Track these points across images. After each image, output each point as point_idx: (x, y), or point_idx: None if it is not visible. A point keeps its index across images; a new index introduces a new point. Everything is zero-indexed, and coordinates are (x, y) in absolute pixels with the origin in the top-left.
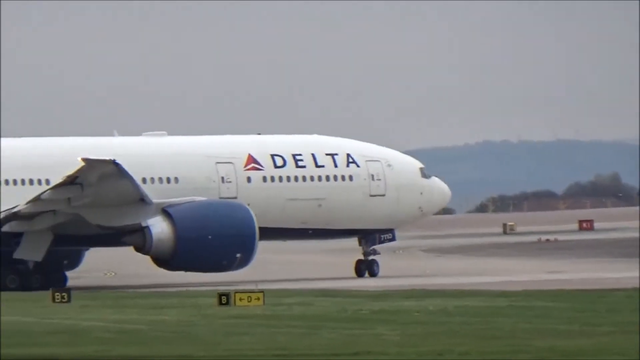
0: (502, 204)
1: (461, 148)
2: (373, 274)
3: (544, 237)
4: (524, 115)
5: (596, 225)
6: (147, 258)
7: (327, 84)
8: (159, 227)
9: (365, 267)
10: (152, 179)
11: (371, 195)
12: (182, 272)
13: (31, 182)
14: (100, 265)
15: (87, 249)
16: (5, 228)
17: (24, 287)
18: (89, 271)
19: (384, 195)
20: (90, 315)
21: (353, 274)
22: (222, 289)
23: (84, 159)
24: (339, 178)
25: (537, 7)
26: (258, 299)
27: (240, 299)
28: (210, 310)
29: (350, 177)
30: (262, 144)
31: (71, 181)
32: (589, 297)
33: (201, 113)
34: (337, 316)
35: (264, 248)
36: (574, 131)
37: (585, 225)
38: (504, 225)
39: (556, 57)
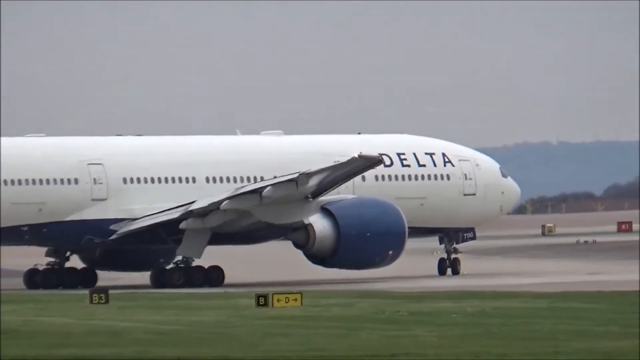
0: (540, 205)
1: (500, 149)
2: (456, 273)
3: (582, 239)
4: (564, 116)
5: (635, 226)
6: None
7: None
8: (321, 225)
9: (449, 266)
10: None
11: (464, 195)
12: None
13: (193, 180)
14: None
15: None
16: (183, 225)
17: (189, 283)
18: (123, 273)
19: (474, 194)
20: (128, 317)
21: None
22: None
23: (361, 155)
24: (439, 177)
25: (578, 5)
26: (296, 300)
27: (278, 300)
28: (248, 312)
29: (448, 177)
30: (370, 143)
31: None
32: (628, 298)
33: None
34: (375, 317)
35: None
36: (613, 132)
37: (624, 226)
38: (543, 226)
39: (597, 57)
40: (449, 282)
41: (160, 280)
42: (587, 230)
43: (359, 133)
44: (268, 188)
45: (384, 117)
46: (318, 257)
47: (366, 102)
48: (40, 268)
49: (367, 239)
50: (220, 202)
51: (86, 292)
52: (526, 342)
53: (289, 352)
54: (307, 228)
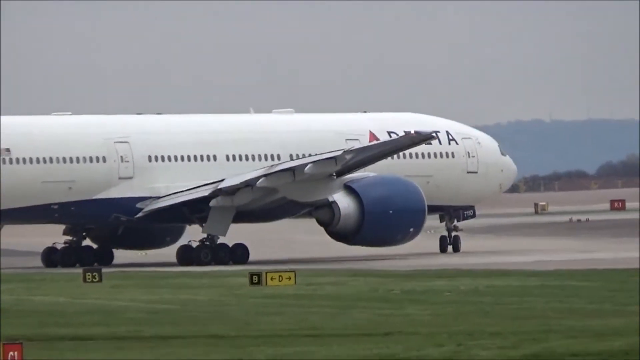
0: (533, 183)
1: (492, 127)
2: (457, 250)
3: (575, 217)
4: (556, 95)
5: (628, 205)
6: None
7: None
8: (345, 202)
9: (450, 243)
10: (297, 156)
11: (468, 172)
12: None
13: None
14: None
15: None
16: (212, 203)
17: (215, 260)
18: (118, 251)
19: (476, 172)
20: (122, 296)
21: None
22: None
23: (417, 132)
24: (444, 155)
25: None
26: (289, 278)
27: (272, 279)
28: (241, 290)
29: (452, 155)
30: (379, 121)
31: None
32: (620, 276)
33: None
34: (369, 296)
35: (287, 228)
36: (607, 110)
37: (617, 205)
38: (536, 205)
39: (589, 35)
40: (442, 261)
41: (187, 257)
42: (580, 208)
43: (365, 111)
44: (309, 166)
45: (375, 95)
46: (341, 235)
47: (357, 79)
48: (59, 247)
49: (389, 217)
50: (256, 179)
51: (107, 269)
52: (519, 320)
53: (283, 330)
54: (332, 206)
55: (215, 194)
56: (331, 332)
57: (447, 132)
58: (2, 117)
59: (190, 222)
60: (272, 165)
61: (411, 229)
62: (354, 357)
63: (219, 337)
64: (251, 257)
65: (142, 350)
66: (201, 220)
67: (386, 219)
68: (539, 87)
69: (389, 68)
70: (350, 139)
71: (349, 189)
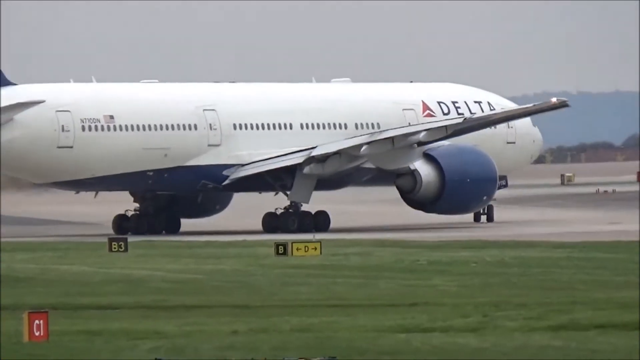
0: (560, 155)
1: (520, 99)
2: (491, 219)
3: (602, 189)
4: (583, 66)
5: None
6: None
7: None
8: (426, 170)
9: (483, 213)
10: (362, 125)
11: (507, 143)
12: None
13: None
14: None
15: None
16: (306, 170)
17: (301, 228)
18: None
19: (514, 142)
20: (147, 265)
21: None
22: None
23: (559, 99)
24: None
25: None
26: (315, 248)
27: (297, 249)
28: (267, 260)
29: (495, 125)
30: (429, 92)
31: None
32: None
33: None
34: (394, 266)
35: (327, 199)
36: (633, 82)
37: None
38: (562, 176)
39: (617, 7)
40: (467, 233)
41: (273, 224)
42: (606, 179)
43: (411, 81)
44: (423, 134)
45: (404, 66)
46: (419, 203)
47: (381, 49)
48: (129, 214)
49: (467, 185)
50: (359, 146)
51: (133, 239)
52: (545, 291)
53: (308, 300)
54: (414, 174)
55: (309, 161)
56: (356, 302)
57: (489, 103)
58: (105, 84)
59: (273, 190)
60: (373, 133)
61: (484, 197)
62: (379, 328)
63: (244, 307)
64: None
65: (167, 319)
66: (283, 188)
67: (464, 187)
68: (566, 59)
69: (416, 39)
70: (406, 109)
71: (429, 157)
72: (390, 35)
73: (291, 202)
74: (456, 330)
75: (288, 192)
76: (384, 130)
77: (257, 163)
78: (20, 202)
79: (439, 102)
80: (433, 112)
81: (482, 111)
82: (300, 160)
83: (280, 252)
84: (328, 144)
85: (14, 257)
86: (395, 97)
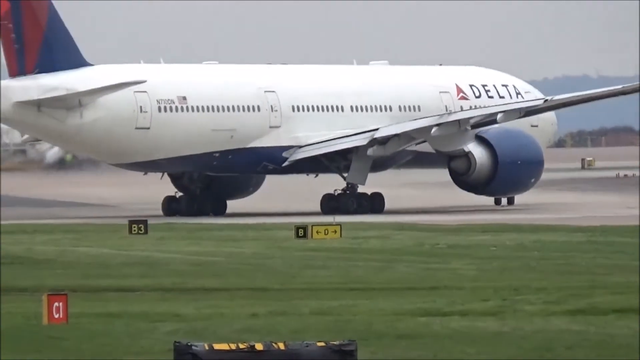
0: (580, 139)
1: (540, 82)
2: (511, 202)
3: (622, 173)
4: (604, 50)
5: None
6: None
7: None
8: (479, 153)
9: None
10: (404, 107)
11: (531, 126)
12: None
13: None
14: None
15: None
16: (369, 152)
17: (359, 209)
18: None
19: (537, 126)
20: (166, 247)
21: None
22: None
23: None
24: None
25: None
26: (335, 232)
27: (317, 232)
28: (287, 243)
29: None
30: (460, 75)
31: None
32: None
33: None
34: (414, 250)
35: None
36: None
37: None
38: (583, 160)
39: None
40: (487, 216)
41: (332, 206)
42: (627, 164)
43: (440, 64)
44: (500, 115)
45: (425, 48)
46: (472, 185)
47: (397, 32)
48: (177, 196)
49: (518, 167)
50: (429, 128)
51: (154, 221)
52: (564, 275)
53: (328, 283)
54: (468, 156)
55: (372, 143)
56: (376, 285)
57: (514, 87)
58: (174, 65)
59: (329, 171)
60: (442, 115)
61: (532, 180)
62: (398, 311)
63: (264, 290)
64: (296, 208)
65: (186, 302)
66: (338, 169)
67: (515, 170)
68: (587, 42)
69: (436, 22)
70: (443, 92)
71: (481, 139)
72: (414, 18)
73: (348, 184)
74: (475, 314)
75: (345, 175)
76: (452, 113)
77: (316, 144)
78: (31, 185)
79: (470, 85)
80: (466, 95)
81: (510, 94)
82: (364, 142)
83: (300, 234)
84: (389, 126)
85: (34, 239)
86: (431, 80)
